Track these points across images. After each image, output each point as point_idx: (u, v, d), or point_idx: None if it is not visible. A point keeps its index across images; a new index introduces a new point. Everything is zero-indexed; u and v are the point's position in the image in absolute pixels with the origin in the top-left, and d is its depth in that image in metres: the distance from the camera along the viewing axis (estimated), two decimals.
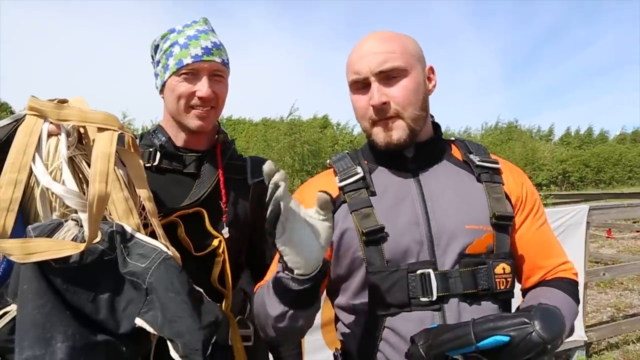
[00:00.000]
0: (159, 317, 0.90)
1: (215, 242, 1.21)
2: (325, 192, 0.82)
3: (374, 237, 1.00)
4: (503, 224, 1.02)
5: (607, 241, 8.82)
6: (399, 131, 1.02)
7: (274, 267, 1.07)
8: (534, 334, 0.76)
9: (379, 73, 1.01)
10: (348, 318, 1.08)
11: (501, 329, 0.78)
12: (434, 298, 0.96)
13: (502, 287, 1.00)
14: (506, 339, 0.77)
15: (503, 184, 1.07)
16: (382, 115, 1.02)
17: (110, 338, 0.91)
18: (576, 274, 1.10)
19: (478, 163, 1.08)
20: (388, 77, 1.02)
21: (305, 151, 25.34)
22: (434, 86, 1.11)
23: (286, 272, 0.85)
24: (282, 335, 0.98)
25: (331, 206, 0.83)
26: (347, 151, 1.17)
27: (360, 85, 1.05)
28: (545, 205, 10.28)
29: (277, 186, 0.77)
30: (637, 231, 8.48)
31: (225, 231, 1.25)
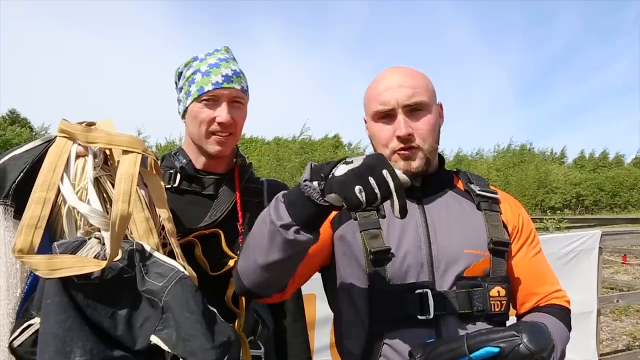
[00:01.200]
0: (173, 335, 0.93)
1: (231, 263, 1.24)
2: None
3: (381, 257, 1.06)
4: (500, 249, 1.09)
5: (622, 267, 8.66)
6: (418, 161, 1.11)
7: None
8: (521, 345, 0.86)
9: (406, 106, 1.09)
10: (350, 334, 1.13)
11: (492, 341, 0.88)
12: (431, 316, 1.02)
13: (496, 310, 1.06)
14: (496, 350, 0.87)
15: (501, 213, 1.15)
16: (406, 145, 1.10)
17: (126, 354, 0.94)
18: (568, 302, 1.17)
19: (478, 192, 1.16)
20: (413, 110, 1.10)
21: None
22: (442, 122, 1.22)
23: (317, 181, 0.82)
24: (263, 267, 0.93)
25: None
26: None
27: (383, 115, 1.12)
28: (559, 229, 10.18)
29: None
30: None
31: None
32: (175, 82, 1.35)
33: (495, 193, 1.18)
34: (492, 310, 1.05)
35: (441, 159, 1.22)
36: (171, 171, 1.31)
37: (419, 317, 1.02)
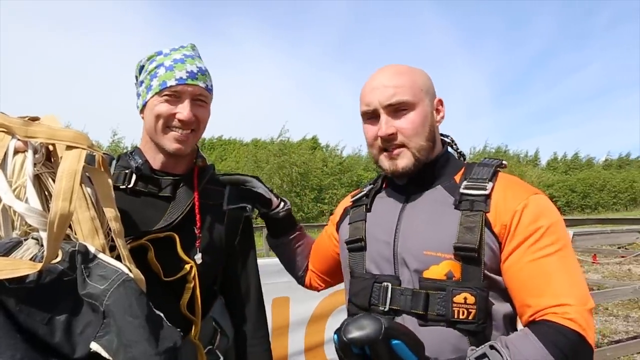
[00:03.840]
0: (114, 341, 0.87)
1: (187, 268, 1.19)
2: None
3: (353, 245, 1.20)
4: (467, 255, 1.00)
5: (592, 266, 8.87)
6: (404, 160, 1.12)
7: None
8: (342, 332, 0.88)
9: (387, 106, 1.11)
10: (346, 314, 1.21)
11: (339, 329, 0.91)
12: (387, 309, 1.07)
13: (461, 317, 0.99)
14: (335, 336, 0.92)
15: (487, 212, 1.03)
16: (389, 145, 1.12)
17: None
18: (573, 320, 0.91)
19: (462, 191, 1.07)
20: (396, 109, 1.11)
21: (295, 173, 25.42)
22: (442, 117, 1.20)
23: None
24: None
25: None
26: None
27: (370, 116, 1.15)
28: None
29: None
30: (622, 256, 8.55)
31: (199, 257, 1.23)
32: (136, 76, 1.29)
33: (485, 189, 1.05)
34: (455, 317, 0.99)
35: (446, 155, 1.20)
36: (126, 171, 1.25)
37: (380, 307, 1.08)
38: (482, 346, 0.94)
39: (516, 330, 1.05)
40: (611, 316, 5.87)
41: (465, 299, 0.99)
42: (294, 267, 1.53)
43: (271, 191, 1.41)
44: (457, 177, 1.14)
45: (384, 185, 1.29)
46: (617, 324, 5.53)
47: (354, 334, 0.85)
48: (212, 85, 1.29)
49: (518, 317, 1.04)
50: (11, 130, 0.92)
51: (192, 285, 1.19)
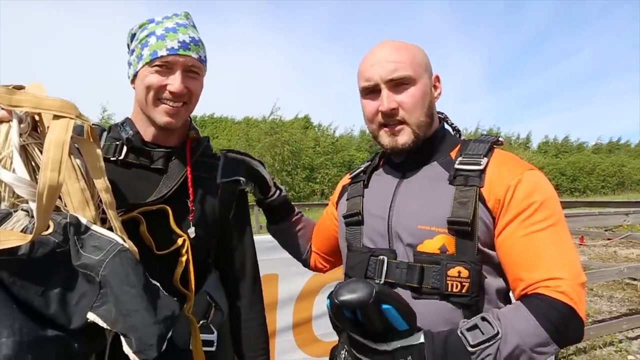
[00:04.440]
0: (112, 311, 0.87)
1: (180, 241, 1.18)
2: None
3: (350, 219, 1.22)
4: (460, 229, 1.01)
5: (579, 248, 9.01)
6: (404, 136, 1.12)
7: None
8: (334, 295, 0.89)
9: (389, 81, 1.10)
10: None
11: (332, 293, 0.91)
12: (382, 281, 1.08)
13: (455, 290, 1.01)
14: (327, 301, 0.93)
15: (481, 187, 1.03)
16: (390, 120, 1.12)
17: (61, 334, 0.87)
18: (564, 293, 0.92)
19: (456, 166, 1.09)
20: (397, 84, 1.10)
21: (286, 151, 25.35)
22: (439, 94, 1.20)
23: None
24: None
25: None
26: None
27: (370, 91, 1.14)
28: None
29: None
30: (609, 239, 8.69)
31: (192, 230, 1.21)
32: (128, 45, 1.25)
33: (479, 164, 1.06)
34: (449, 290, 1.00)
35: (442, 131, 1.21)
36: (117, 143, 1.22)
37: (375, 280, 1.08)
38: (474, 318, 0.95)
39: (510, 304, 1.04)
40: (596, 297, 6.00)
41: (459, 272, 1.00)
42: (298, 251, 1.55)
43: (272, 179, 1.45)
44: (453, 154, 1.15)
45: (380, 163, 1.31)
46: (602, 304, 5.65)
47: (346, 296, 0.86)
48: (205, 57, 1.25)
49: (511, 291, 1.06)
50: None
51: (185, 259, 1.18)
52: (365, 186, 1.26)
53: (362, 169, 1.33)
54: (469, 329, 0.92)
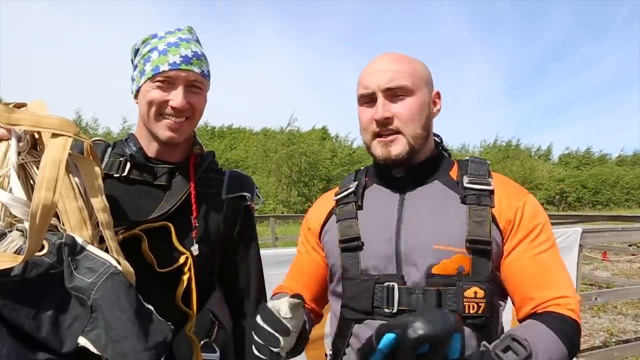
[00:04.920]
0: (102, 336, 0.85)
1: (182, 259, 1.15)
2: (297, 295, 0.96)
3: (350, 244, 1.11)
4: (478, 247, 1.01)
5: (602, 263, 8.75)
6: (398, 147, 1.07)
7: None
8: (410, 330, 0.75)
9: (386, 90, 1.07)
10: (331, 322, 1.19)
11: (392, 327, 0.78)
12: (395, 310, 1.01)
13: (471, 312, 0.99)
14: (392, 336, 0.77)
15: (492, 207, 1.05)
16: (384, 129, 1.08)
17: (53, 357, 0.86)
18: (574, 311, 0.98)
19: (466, 185, 1.08)
20: (394, 94, 1.08)
21: (303, 162, 25.41)
22: (439, 110, 1.17)
23: None
24: None
25: (298, 309, 0.97)
26: (361, 168, 1.28)
27: (367, 99, 1.11)
28: None
29: None
30: (633, 254, 8.43)
31: (195, 248, 1.19)
32: (131, 60, 1.25)
33: (489, 184, 1.07)
34: (466, 312, 0.98)
35: (438, 146, 1.19)
36: (121, 159, 1.21)
37: (385, 309, 1.01)
38: (504, 338, 0.92)
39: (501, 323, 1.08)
40: (620, 315, 5.78)
41: (475, 293, 0.99)
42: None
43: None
44: (453, 173, 1.14)
45: (366, 179, 1.21)
46: (626, 323, 5.44)
47: (428, 330, 0.74)
48: (208, 71, 1.24)
49: (515, 310, 1.06)
50: None
51: (187, 277, 1.16)
52: (359, 207, 1.15)
53: (352, 189, 1.19)
54: (503, 350, 0.89)
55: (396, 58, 1.11)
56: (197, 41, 1.25)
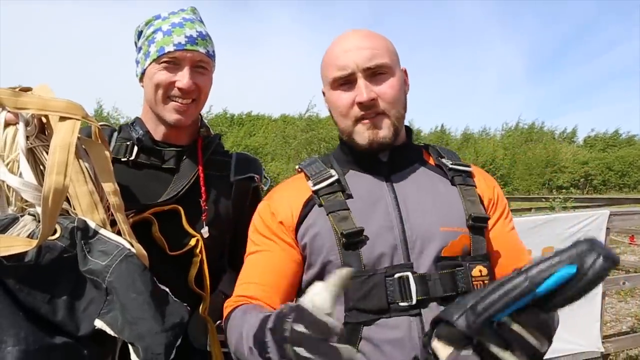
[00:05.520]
0: (119, 318, 0.84)
1: (193, 242, 1.15)
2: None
3: (353, 239, 0.96)
4: (479, 225, 1.01)
5: (629, 247, 8.52)
6: (384, 130, 1.00)
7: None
8: (601, 258, 0.60)
9: (366, 69, 0.98)
10: None
11: (560, 264, 0.62)
12: (414, 302, 0.92)
13: None
14: (573, 269, 0.61)
15: (476, 187, 1.07)
16: (369, 112, 0.99)
17: (69, 340, 0.86)
18: None
19: (450, 166, 1.07)
20: (375, 73, 0.99)
21: (322, 148, 25.33)
22: (408, 88, 1.11)
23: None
24: None
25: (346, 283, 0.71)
26: (317, 155, 1.15)
27: (343, 81, 1.01)
28: (565, 208, 10.00)
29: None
30: None
31: (205, 230, 1.18)
32: (135, 42, 1.23)
33: (469, 166, 1.10)
34: None
35: (409, 131, 1.12)
36: (128, 143, 1.20)
37: (400, 303, 0.92)
38: None
39: None
40: None
41: (480, 271, 0.97)
42: None
43: None
44: (427, 157, 1.12)
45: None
46: None
47: (613, 254, 0.61)
48: (214, 51, 1.22)
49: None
50: (1, 102, 0.88)
51: (198, 259, 1.16)
52: (349, 196, 1.02)
53: (334, 177, 1.03)
54: None
55: (368, 34, 1.03)
56: (201, 21, 1.23)
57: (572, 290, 0.62)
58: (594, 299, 3.47)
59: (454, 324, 0.68)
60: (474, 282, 0.96)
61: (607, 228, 3.54)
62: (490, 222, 1.06)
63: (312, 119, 27.42)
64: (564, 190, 28.35)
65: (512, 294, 0.64)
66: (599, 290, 3.58)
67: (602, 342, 3.52)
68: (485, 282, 0.98)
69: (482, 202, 1.05)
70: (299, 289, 1.05)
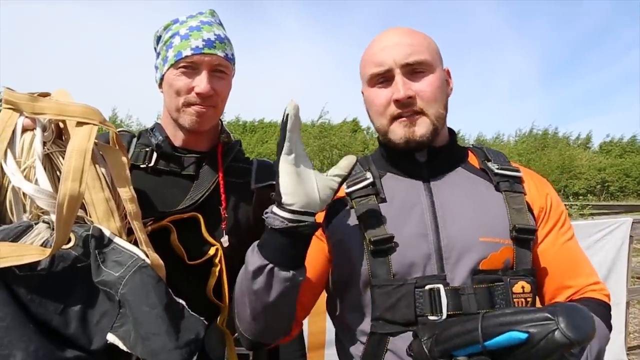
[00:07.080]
0: (131, 333, 0.81)
1: (212, 251, 1.11)
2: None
3: (382, 247, 0.91)
4: (524, 237, 0.93)
5: None
6: (422, 128, 0.95)
7: None
8: (557, 332, 0.63)
9: (405, 65, 0.95)
10: (348, 338, 0.98)
11: (518, 324, 0.65)
12: (444, 316, 0.86)
13: None
14: (523, 336, 0.64)
15: (525, 194, 0.98)
16: (406, 110, 0.95)
17: (81, 354, 0.82)
18: (608, 296, 0.99)
19: (497, 171, 0.99)
20: (413, 70, 0.96)
21: (335, 155, 25.28)
22: (451, 89, 1.06)
23: (276, 204, 0.85)
24: (256, 314, 0.89)
25: (349, 169, 0.88)
26: (359, 156, 1.09)
27: (381, 79, 0.98)
28: (582, 215, 9.80)
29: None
30: None
31: (225, 239, 1.15)
32: (154, 48, 1.21)
33: (518, 171, 1.01)
34: None
35: (452, 132, 1.07)
36: (147, 149, 1.18)
37: (430, 317, 0.87)
38: None
39: None
40: None
41: (522, 287, 0.90)
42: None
43: None
44: (472, 159, 1.05)
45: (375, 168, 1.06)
46: None
47: (580, 333, 0.64)
48: (233, 55, 1.19)
49: (543, 298, 1.01)
50: (18, 107, 0.86)
51: (218, 268, 1.12)
52: (383, 200, 0.97)
53: (369, 179, 1.00)
54: None
55: (408, 32, 1.00)
56: (220, 24, 1.20)
57: (521, 356, 0.65)
58: (617, 309, 3.38)
59: (422, 344, 0.73)
60: (514, 299, 0.89)
61: (631, 236, 3.46)
62: (541, 234, 0.97)
63: (324, 126, 27.42)
64: (580, 197, 27.89)
65: (462, 338, 0.69)
66: (622, 300, 3.48)
67: (627, 354, 3.42)
68: (528, 299, 0.90)
69: (531, 210, 0.97)
70: (326, 287, 1.04)
